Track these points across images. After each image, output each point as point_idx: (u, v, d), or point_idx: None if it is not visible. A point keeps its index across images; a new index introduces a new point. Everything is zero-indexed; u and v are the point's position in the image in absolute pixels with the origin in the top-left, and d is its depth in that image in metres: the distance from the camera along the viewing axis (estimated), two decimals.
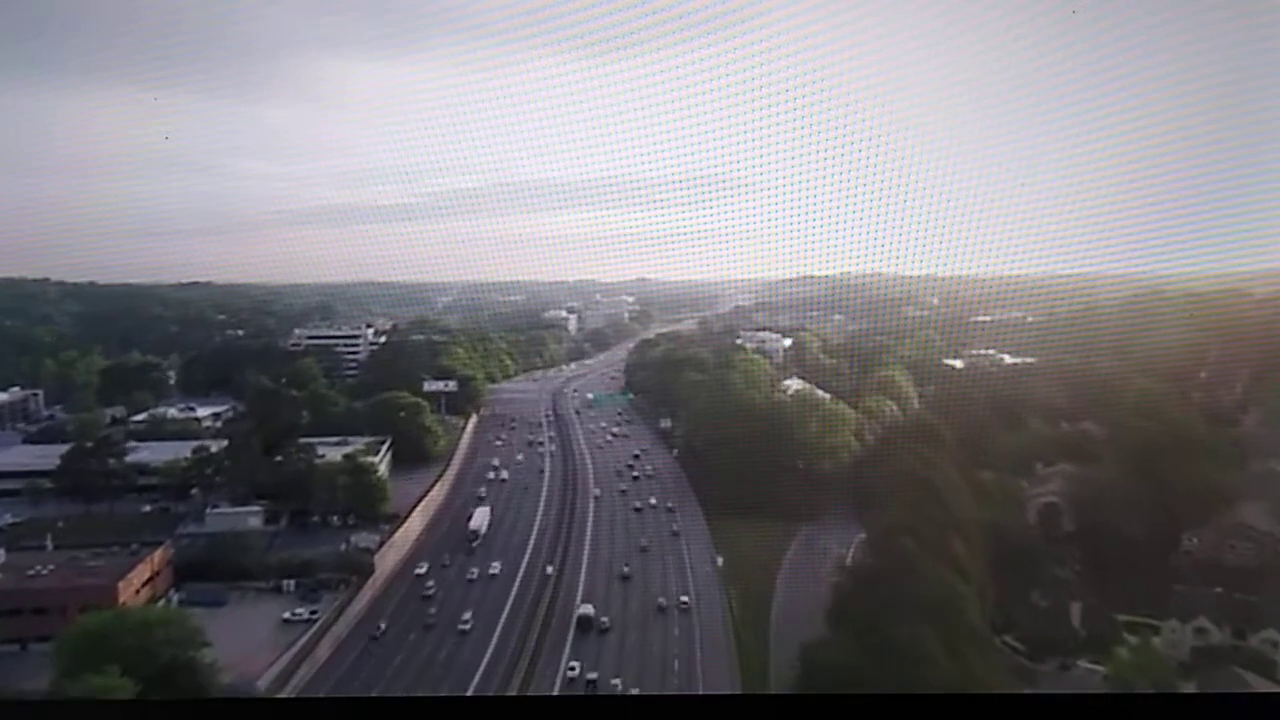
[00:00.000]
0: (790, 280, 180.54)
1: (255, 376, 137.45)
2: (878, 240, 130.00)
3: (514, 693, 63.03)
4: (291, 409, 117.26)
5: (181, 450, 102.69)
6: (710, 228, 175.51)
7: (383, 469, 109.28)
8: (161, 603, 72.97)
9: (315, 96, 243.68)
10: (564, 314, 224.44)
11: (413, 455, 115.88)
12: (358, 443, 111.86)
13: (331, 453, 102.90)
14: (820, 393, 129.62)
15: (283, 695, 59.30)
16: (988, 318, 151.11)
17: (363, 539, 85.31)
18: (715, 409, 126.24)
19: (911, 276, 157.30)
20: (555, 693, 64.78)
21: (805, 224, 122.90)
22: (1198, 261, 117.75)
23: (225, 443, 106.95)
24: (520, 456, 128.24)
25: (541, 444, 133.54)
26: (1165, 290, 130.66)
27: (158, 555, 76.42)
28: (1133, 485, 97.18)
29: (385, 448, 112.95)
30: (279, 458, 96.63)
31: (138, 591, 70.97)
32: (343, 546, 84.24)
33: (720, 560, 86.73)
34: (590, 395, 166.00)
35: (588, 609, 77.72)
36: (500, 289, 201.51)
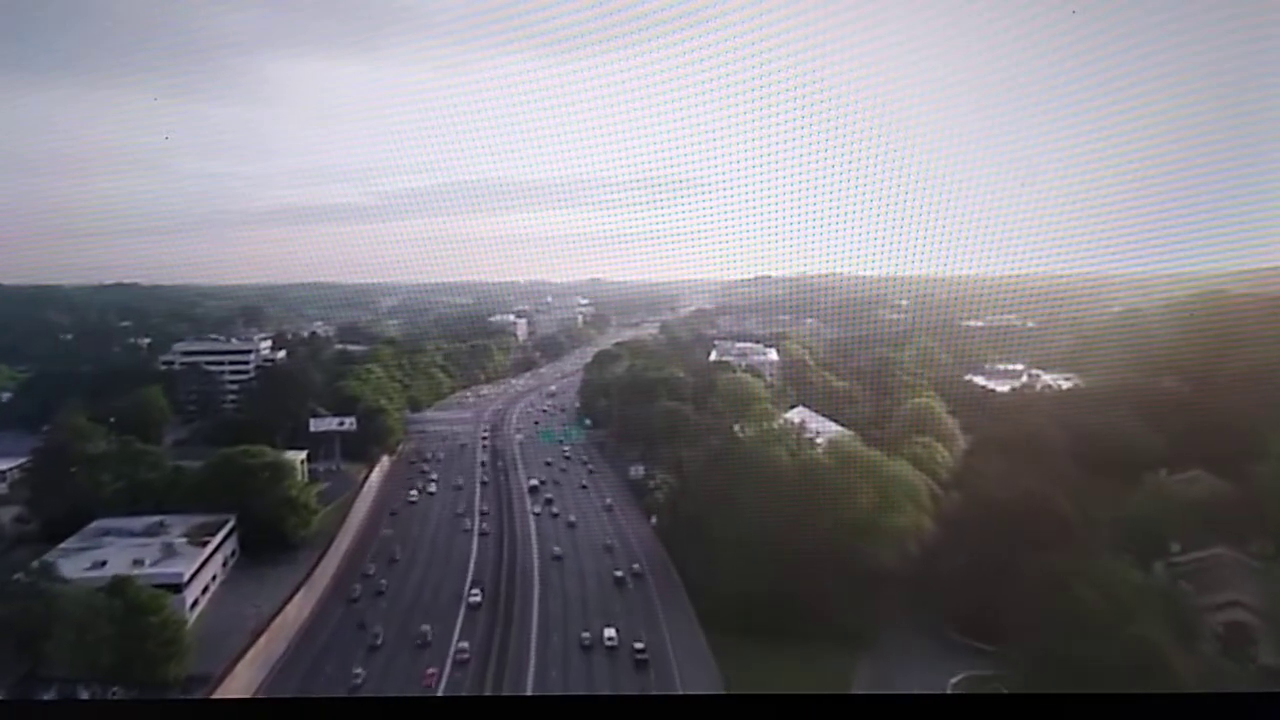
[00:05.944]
0: (749, 281, 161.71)
1: (69, 414, 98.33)
2: (840, 239, 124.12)
3: None
4: (81, 474, 77.76)
5: None
6: (666, 227, 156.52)
7: (204, 583, 70.51)
8: None
9: (264, 95, 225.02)
10: (512, 318, 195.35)
11: (271, 543, 77.69)
12: (178, 529, 73.66)
13: (120, 558, 64.69)
14: (849, 434, 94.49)
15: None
16: (979, 322, 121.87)
17: None
18: (709, 459, 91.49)
19: (873, 277, 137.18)
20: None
21: (763, 223, 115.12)
22: (1198, 261, 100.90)
23: None
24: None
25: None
26: (1229, 291, 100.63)
27: None
28: None
29: (221, 537, 74.39)
30: (11, 576, 57.52)
31: None
32: None
33: None
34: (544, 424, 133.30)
35: None
36: (448, 290, 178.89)
